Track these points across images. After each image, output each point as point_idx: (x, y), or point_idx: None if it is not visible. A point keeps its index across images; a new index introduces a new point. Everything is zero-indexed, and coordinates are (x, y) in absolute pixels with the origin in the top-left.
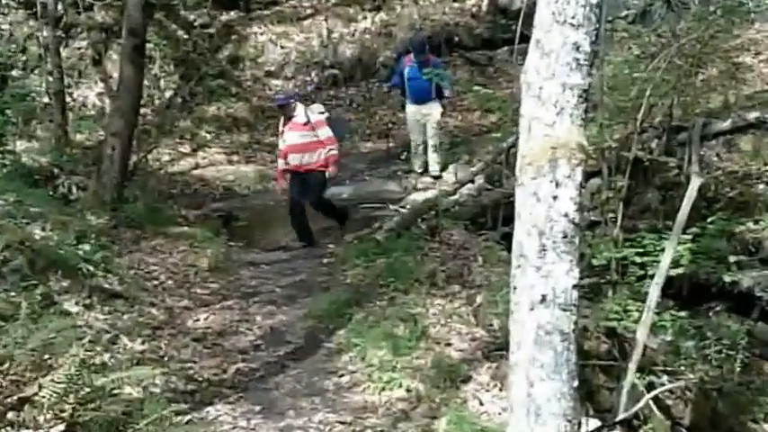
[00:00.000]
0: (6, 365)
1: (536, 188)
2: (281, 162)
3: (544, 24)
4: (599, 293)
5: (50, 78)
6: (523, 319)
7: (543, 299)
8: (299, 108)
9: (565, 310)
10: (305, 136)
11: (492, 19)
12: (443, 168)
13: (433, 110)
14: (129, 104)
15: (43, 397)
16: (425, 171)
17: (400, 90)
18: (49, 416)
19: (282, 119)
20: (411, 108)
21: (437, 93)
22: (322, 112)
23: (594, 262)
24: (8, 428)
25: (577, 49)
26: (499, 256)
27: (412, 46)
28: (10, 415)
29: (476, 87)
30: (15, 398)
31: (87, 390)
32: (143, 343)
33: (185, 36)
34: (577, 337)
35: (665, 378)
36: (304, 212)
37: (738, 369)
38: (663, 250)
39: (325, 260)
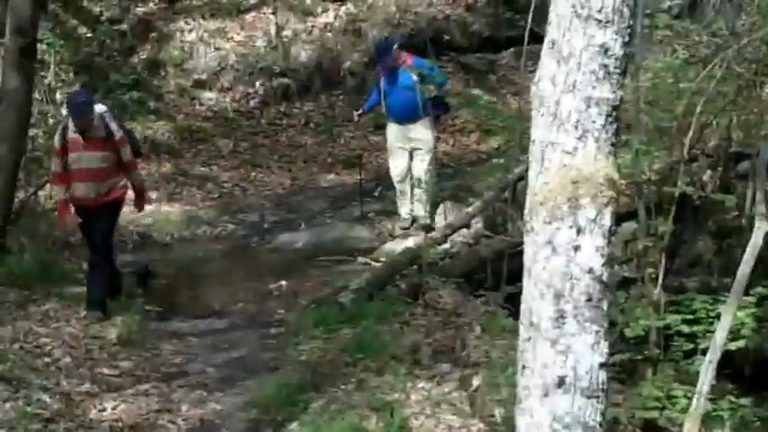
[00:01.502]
0: None
1: (551, 236)
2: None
3: (562, 20)
4: (634, 374)
5: None
6: (534, 409)
7: (561, 382)
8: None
9: (590, 396)
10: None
11: (493, 12)
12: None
13: (423, 133)
14: (14, 124)
15: None
16: (414, 221)
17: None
18: None
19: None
20: (392, 128)
21: (432, 107)
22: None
23: (628, 333)
24: None
25: (605, 52)
26: (503, 325)
27: (374, 51)
28: None
29: (475, 91)
30: None
31: None
32: None
33: (89, 34)
34: (606, 431)
35: None
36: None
37: None
38: (718, 317)
39: (272, 330)
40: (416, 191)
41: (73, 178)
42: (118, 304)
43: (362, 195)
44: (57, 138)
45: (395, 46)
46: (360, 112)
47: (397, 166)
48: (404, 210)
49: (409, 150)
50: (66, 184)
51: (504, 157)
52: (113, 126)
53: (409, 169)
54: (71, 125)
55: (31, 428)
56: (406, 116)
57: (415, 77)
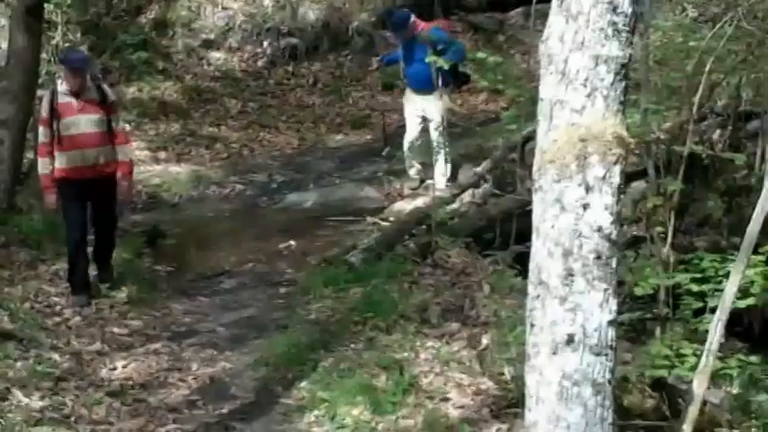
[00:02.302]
0: None
1: (560, 194)
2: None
3: None
4: (643, 333)
5: None
6: (544, 367)
7: (570, 340)
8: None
9: (598, 354)
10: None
11: None
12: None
13: (436, 104)
14: (22, 84)
15: None
16: (422, 182)
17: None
18: None
19: (61, 92)
20: (408, 96)
21: (450, 79)
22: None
23: (638, 291)
24: None
25: (614, 9)
26: (511, 284)
27: (390, 23)
28: None
29: (480, 55)
30: None
31: None
32: (42, 398)
33: None
34: (614, 389)
35: None
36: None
37: None
38: (727, 275)
39: (281, 290)
40: (437, 161)
41: (67, 146)
42: (129, 265)
43: (370, 155)
44: (44, 105)
45: (411, 19)
46: (380, 59)
47: (410, 131)
48: (412, 170)
49: (422, 117)
50: (52, 157)
51: (512, 117)
52: (107, 88)
53: (420, 137)
54: (61, 89)
55: (42, 387)
56: (421, 87)
57: (429, 52)
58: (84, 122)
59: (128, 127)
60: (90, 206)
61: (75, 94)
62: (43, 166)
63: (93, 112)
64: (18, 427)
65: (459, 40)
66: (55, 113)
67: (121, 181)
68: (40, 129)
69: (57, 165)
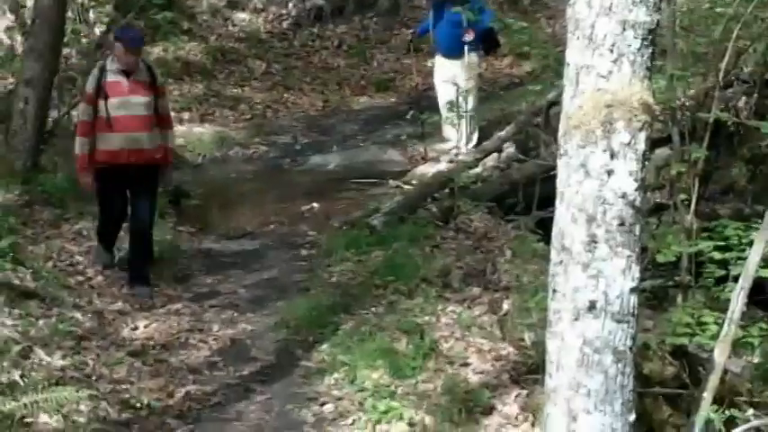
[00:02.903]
0: None
1: (585, 159)
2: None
3: None
4: (665, 300)
5: None
6: (565, 333)
7: (592, 306)
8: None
9: (620, 321)
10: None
11: None
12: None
13: (466, 69)
14: (47, 43)
15: None
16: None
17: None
18: None
19: (111, 70)
20: (438, 61)
21: (480, 44)
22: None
23: (660, 258)
24: None
25: None
26: (534, 250)
27: None
28: None
29: (507, 20)
30: None
31: None
32: (64, 357)
33: None
34: (635, 356)
35: (750, 412)
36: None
37: None
38: (751, 243)
39: (303, 252)
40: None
41: (114, 128)
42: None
43: (394, 118)
44: (90, 81)
45: None
46: (412, 31)
47: (442, 96)
48: (450, 134)
49: (453, 82)
50: (92, 137)
51: (537, 81)
52: (156, 70)
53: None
54: (111, 66)
55: (64, 345)
56: (451, 51)
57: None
58: (134, 104)
59: None
60: (129, 194)
61: (126, 73)
62: (81, 145)
63: (143, 93)
64: (40, 385)
65: (488, 8)
66: (102, 92)
67: (164, 168)
68: (83, 106)
69: (99, 147)
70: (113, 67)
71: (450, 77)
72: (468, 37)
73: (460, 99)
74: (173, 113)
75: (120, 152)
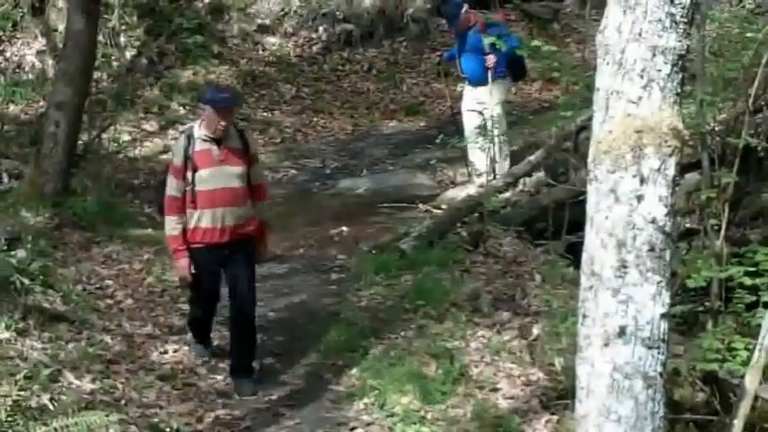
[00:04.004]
0: None
1: (614, 185)
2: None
3: None
4: (695, 326)
5: None
6: (595, 359)
7: (622, 332)
8: None
9: (650, 347)
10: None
11: None
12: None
13: (490, 97)
14: (78, 67)
15: None
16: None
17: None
18: None
19: (199, 137)
20: (466, 90)
21: (506, 72)
22: None
23: (690, 284)
24: None
25: (672, 1)
26: (563, 275)
27: (443, 13)
28: None
29: (534, 43)
30: None
31: None
32: (93, 381)
33: None
34: (666, 382)
35: None
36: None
37: None
38: None
39: (333, 276)
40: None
41: (202, 204)
42: None
43: (423, 142)
44: (178, 150)
45: (463, 9)
46: (440, 54)
47: (467, 124)
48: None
49: (479, 110)
50: (182, 215)
51: (566, 106)
52: (249, 136)
53: (482, 127)
54: (199, 132)
55: (93, 369)
56: (475, 79)
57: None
58: (227, 176)
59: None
60: (224, 276)
61: (217, 141)
62: (172, 225)
63: (236, 163)
64: (69, 409)
65: (514, 35)
66: (191, 163)
67: (260, 244)
68: (171, 179)
69: (191, 225)
70: (201, 133)
71: (476, 105)
72: (490, 62)
73: (490, 125)
74: None
75: (214, 230)
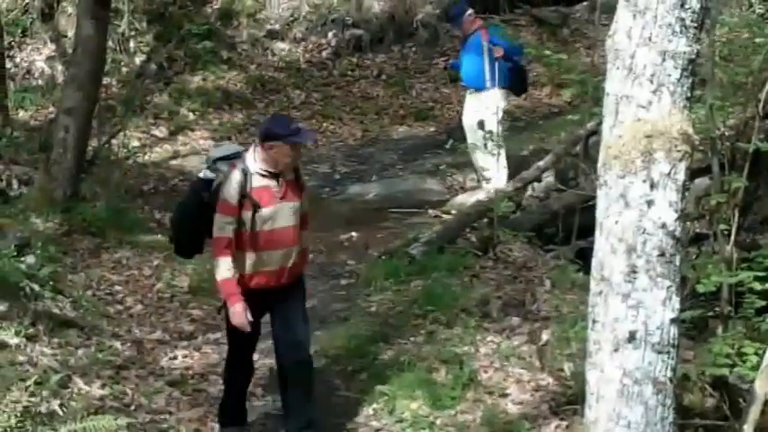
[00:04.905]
0: None
1: (624, 190)
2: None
3: None
4: (705, 331)
5: None
6: (605, 364)
7: (632, 337)
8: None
9: (660, 352)
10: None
11: None
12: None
13: (489, 104)
14: (88, 73)
15: None
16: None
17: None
18: None
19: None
20: (466, 98)
21: (507, 81)
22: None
23: (700, 289)
24: None
25: (682, 5)
26: (573, 280)
27: (448, 16)
28: None
29: (546, 52)
30: None
31: None
32: (103, 386)
33: None
34: (675, 387)
35: None
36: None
37: None
38: None
39: (342, 281)
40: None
41: (261, 245)
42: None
43: (433, 147)
44: (231, 188)
45: (467, 13)
46: (446, 59)
47: (468, 134)
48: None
49: (478, 118)
50: (234, 257)
51: (576, 111)
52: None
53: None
54: (255, 167)
55: (103, 375)
56: (474, 85)
57: (485, 46)
58: (286, 212)
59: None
60: (272, 320)
61: (276, 175)
62: (226, 268)
63: (294, 197)
64: (79, 415)
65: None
66: (248, 202)
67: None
68: (223, 218)
69: (248, 270)
70: (258, 168)
71: (474, 111)
72: (497, 53)
73: (486, 134)
74: (212, 142)
75: (272, 273)
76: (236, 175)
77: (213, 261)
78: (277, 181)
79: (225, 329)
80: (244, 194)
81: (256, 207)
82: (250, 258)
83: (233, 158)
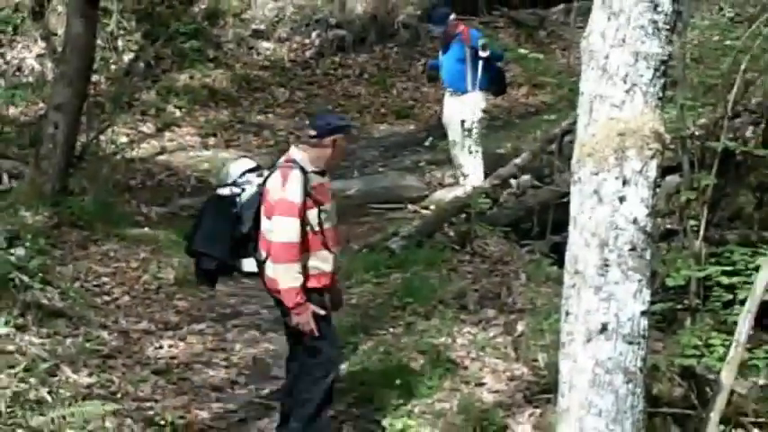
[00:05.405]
0: None
1: (597, 186)
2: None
3: None
4: (674, 323)
5: None
6: (577, 354)
7: (604, 328)
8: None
9: (631, 342)
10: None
11: None
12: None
13: (469, 106)
14: (77, 70)
15: None
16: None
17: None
18: None
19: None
20: (446, 99)
21: (487, 84)
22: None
23: (669, 282)
24: None
25: (655, 8)
26: (548, 273)
27: (431, 19)
28: None
29: (523, 53)
30: None
31: (20, 431)
32: (90, 375)
33: None
34: (645, 377)
35: None
36: None
37: None
38: (757, 268)
39: None
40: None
41: (324, 245)
42: (176, 246)
43: (413, 144)
44: (293, 186)
45: (450, 17)
46: (424, 62)
47: (450, 133)
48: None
49: (458, 119)
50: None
51: (552, 110)
52: None
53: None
54: (308, 166)
55: (90, 364)
56: (455, 87)
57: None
58: (334, 210)
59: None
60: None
61: (323, 172)
62: (294, 275)
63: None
64: (67, 402)
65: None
66: (312, 200)
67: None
68: (287, 220)
69: (312, 271)
70: (310, 166)
71: (455, 113)
72: (483, 53)
73: (464, 134)
74: (198, 138)
75: (329, 275)
76: (297, 174)
77: (274, 267)
78: (327, 178)
79: (285, 332)
80: (308, 193)
81: (320, 205)
82: (314, 260)
83: (257, 171)
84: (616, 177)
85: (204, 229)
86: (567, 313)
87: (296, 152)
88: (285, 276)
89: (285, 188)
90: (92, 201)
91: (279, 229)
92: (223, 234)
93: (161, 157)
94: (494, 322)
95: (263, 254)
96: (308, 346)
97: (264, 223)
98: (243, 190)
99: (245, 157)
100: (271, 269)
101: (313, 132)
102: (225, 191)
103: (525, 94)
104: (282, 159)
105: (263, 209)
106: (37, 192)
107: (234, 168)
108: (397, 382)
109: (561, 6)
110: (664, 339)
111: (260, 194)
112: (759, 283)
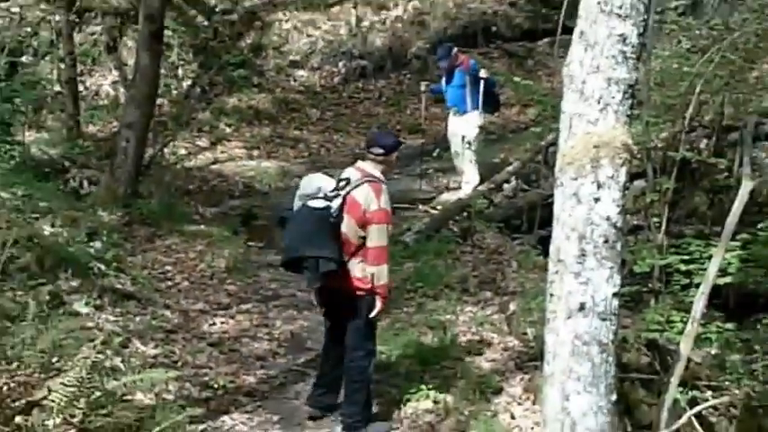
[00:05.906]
0: (14, 367)
1: (576, 189)
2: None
3: (589, 14)
4: (640, 303)
5: (62, 65)
6: (560, 329)
7: (582, 307)
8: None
9: (604, 319)
10: None
11: (532, 8)
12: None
13: (469, 124)
14: (144, 94)
15: (53, 401)
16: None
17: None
18: (58, 420)
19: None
20: (450, 119)
21: (483, 105)
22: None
23: (636, 269)
24: None
25: (624, 41)
26: (535, 262)
27: (436, 54)
28: (18, 419)
29: (515, 79)
30: (24, 401)
31: (98, 394)
32: (156, 347)
33: (205, 22)
34: (616, 348)
35: (708, 393)
36: None
37: None
38: (710, 258)
39: None
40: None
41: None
42: (228, 240)
43: (423, 155)
44: (386, 198)
45: (454, 51)
46: (427, 85)
47: (452, 146)
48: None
49: (460, 134)
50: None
51: (538, 126)
52: None
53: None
54: (381, 175)
55: (156, 338)
56: (457, 108)
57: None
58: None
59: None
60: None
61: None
62: (387, 273)
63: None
64: (137, 369)
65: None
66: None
67: None
68: (384, 227)
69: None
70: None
71: (457, 129)
72: (484, 74)
73: (464, 146)
74: (245, 151)
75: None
76: (385, 189)
77: (378, 268)
78: None
79: (362, 325)
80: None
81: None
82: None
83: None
84: (592, 182)
85: (307, 237)
86: (551, 295)
87: (370, 167)
88: (383, 274)
89: (380, 200)
90: (157, 203)
91: (379, 236)
92: (332, 239)
93: (214, 167)
94: (490, 302)
95: (346, 256)
96: (364, 332)
97: (350, 230)
98: (331, 201)
99: (284, 165)
100: (359, 269)
101: (381, 150)
102: (318, 203)
103: (516, 112)
104: (358, 174)
105: (346, 217)
106: (112, 195)
107: (324, 183)
108: (411, 352)
109: (546, 40)
110: (632, 316)
111: (342, 205)
112: (711, 269)
